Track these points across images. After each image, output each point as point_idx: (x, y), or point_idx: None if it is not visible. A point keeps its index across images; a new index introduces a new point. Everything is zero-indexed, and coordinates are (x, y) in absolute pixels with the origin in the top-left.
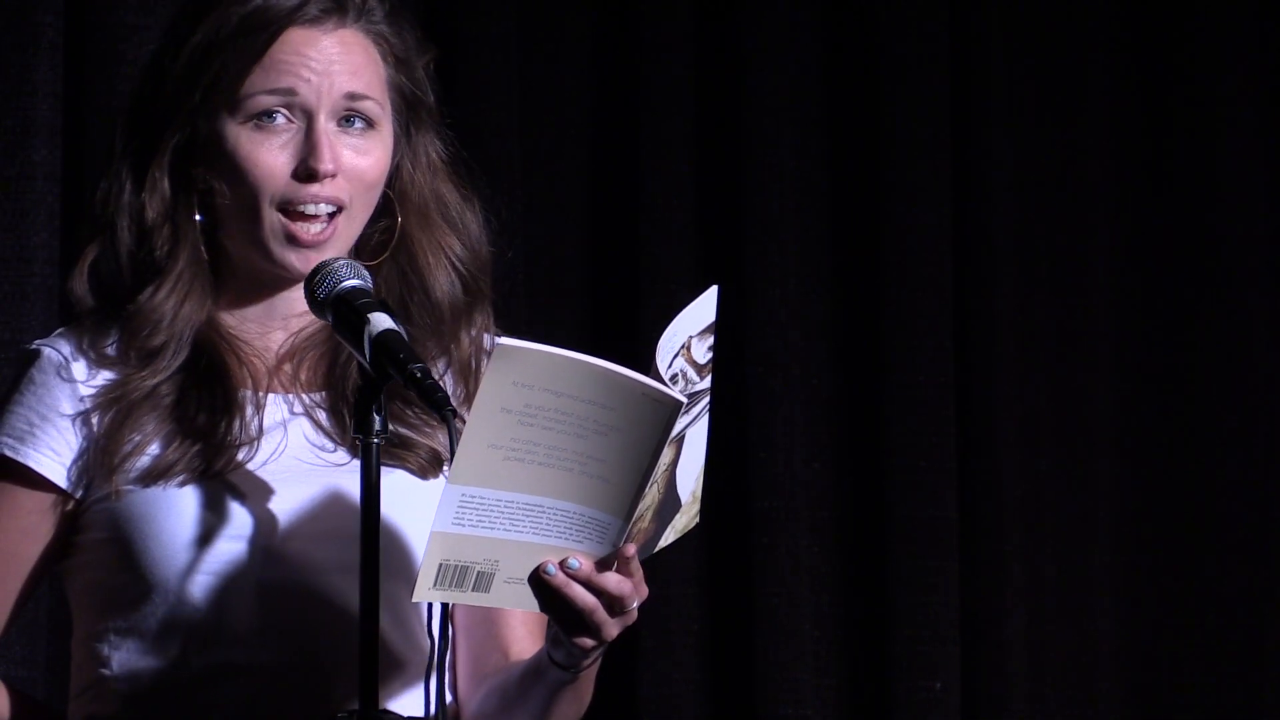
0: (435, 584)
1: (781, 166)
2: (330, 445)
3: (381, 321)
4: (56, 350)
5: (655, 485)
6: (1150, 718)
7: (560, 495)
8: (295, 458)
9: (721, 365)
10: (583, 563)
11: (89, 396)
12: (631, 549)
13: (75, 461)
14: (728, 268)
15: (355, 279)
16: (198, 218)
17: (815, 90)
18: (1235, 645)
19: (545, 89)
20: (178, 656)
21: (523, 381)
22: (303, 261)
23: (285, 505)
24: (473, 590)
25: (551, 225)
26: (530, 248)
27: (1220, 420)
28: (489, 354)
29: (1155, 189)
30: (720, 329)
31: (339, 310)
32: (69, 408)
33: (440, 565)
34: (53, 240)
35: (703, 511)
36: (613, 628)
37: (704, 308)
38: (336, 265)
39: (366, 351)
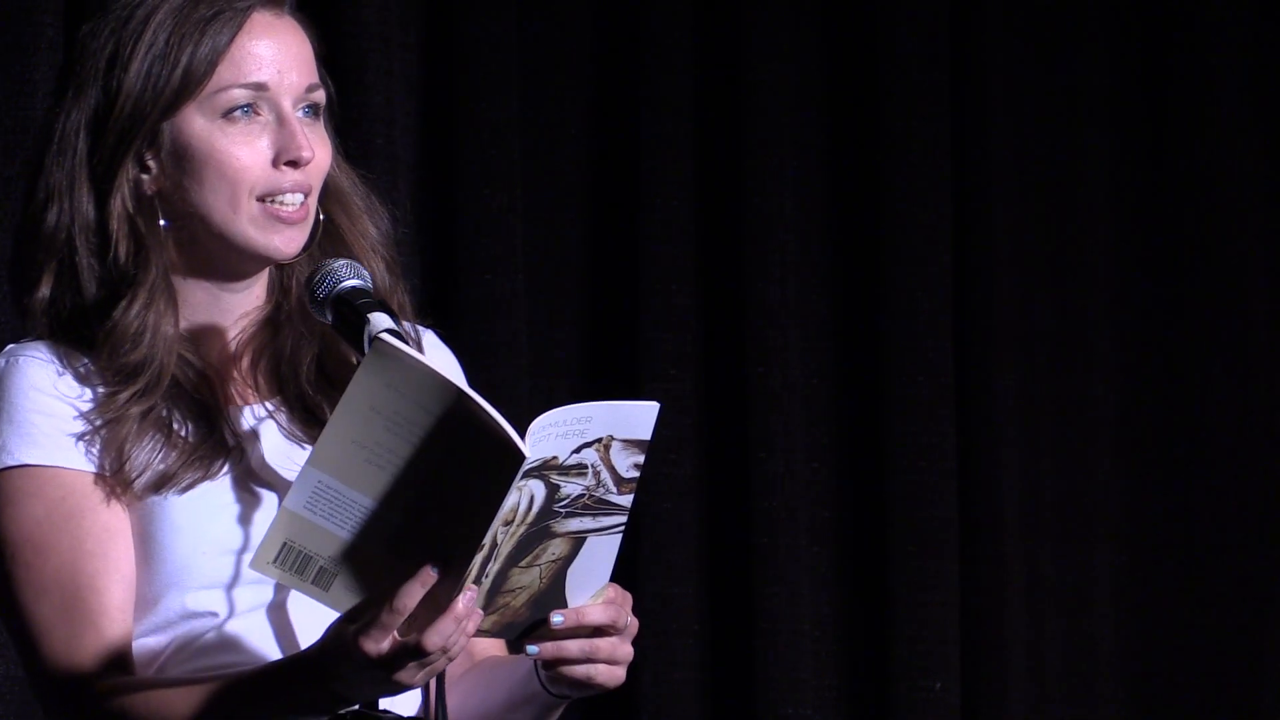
0: (276, 560)
1: (781, 166)
2: (303, 445)
3: (381, 321)
4: (39, 358)
5: (506, 555)
6: (1150, 718)
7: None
8: (272, 464)
9: (722, 365)
10: (541, 648)
11: (84, 415)
12: (593, 614)
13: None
14: (728, 268)
15: (355, 279)
16: (163, 223)
17: (815, 90)
18: (1235, 645)
19: (545, 88)
20: (170, 664)
21: (396, 386)
22: (285, 241)
23: (271, 511)
24: (312, 583)
25: (551, 225)
26: (530, 247)
27: (1220, 420)
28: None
29: (1155, 187)
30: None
31: (339, 310)
32: (70, 417)
33: (285, 544)
34: None
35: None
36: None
37: (640, 417)
38: (336, 265)
39: (367, 351)
